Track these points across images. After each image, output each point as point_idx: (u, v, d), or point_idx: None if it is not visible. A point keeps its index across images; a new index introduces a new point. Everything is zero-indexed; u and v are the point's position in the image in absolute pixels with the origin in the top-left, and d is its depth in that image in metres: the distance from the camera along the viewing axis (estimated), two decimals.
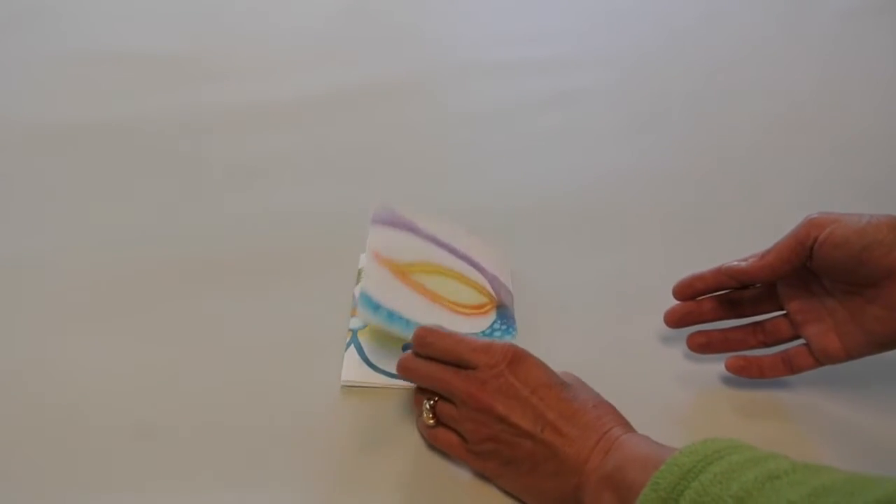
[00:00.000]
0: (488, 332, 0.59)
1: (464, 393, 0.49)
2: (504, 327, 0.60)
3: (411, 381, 0.53)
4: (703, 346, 0.59)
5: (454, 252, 0.63)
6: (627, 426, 0.48)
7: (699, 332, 0.59)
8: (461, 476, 0.52)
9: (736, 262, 0.56)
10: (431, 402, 0.51)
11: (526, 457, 0.47)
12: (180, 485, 0.51)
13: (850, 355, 0.54)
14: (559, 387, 0.49)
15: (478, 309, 0.60)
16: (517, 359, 0.49)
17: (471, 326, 0.58)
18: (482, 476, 0.51)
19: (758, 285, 0.58)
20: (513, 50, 1.07)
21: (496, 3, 1.22)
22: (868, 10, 1.19)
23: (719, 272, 0.57)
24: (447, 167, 0.84)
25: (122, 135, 0.87)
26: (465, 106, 0.95)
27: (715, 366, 0.60)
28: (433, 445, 0.53)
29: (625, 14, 1.18)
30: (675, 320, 0.59)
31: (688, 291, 0.59)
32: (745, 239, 0.72)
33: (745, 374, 0.57)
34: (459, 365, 0.50)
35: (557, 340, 0.60)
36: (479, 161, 0.85)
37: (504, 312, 0.62)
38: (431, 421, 0.51)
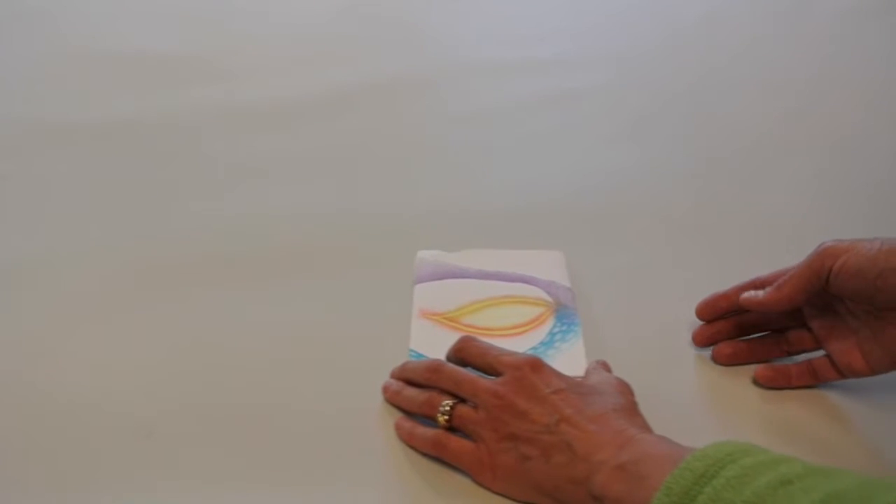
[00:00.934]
0: (547, 339, 0.60)
1: (488, 392, 0.51)
2: (564, 328, 0.61)
3: (437, 386, 0.54)
4: (729, 356, 0.60)
5: (504, 277, 0.66)
6: (647, 429, 0.49)
7: (725, 344, 0.60)
8: None
9: (753, 293, 0.57)
10: (449, 404, 0.52)
11: (541, 452, 0.48)
12: (184, 485, 0.51)
13: (874, 371, 0.55)
14: (580, 394, 0.50)
15: (532, 323, 0.62)
16: (539, 365, 0.51)
17: (525, 342, 0.60)
18: None
19: None
20: (513, 50, 1.07)
21: (497, 3, 1.22)
22: (866, 9, 1.19)
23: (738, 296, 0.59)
24: (447, 167, 0.84)
25: (121, 134, 0.87)
26: (466, 106, 0.95)
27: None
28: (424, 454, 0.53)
29: (625, 14, 1.19)
30: (703, 340, 0.61)
31: (711, 311, 0.60)
32: (746, 237, 0.73)
33: (775, 385, 0.58)
34: (487, 372, 0.53)
35: None
36: (480, 161, 0.85)
37: (563, 312, 0.63)
38: (445, 420, 0.52)
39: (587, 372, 0.56)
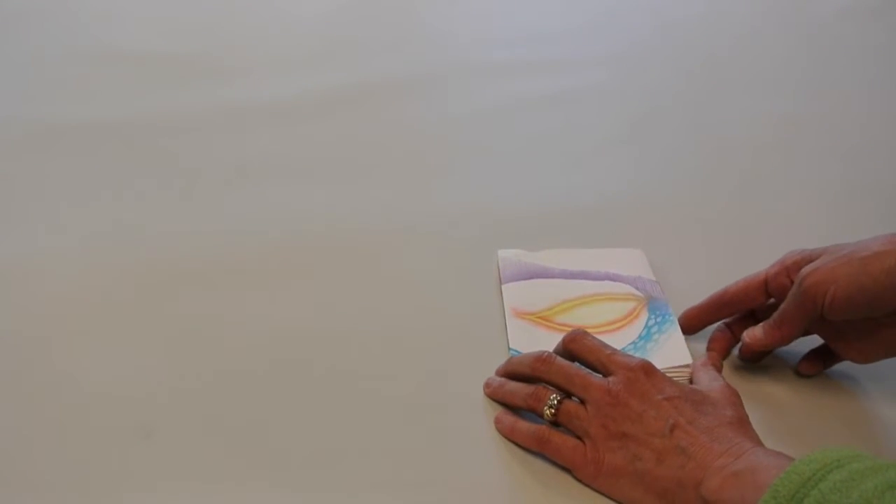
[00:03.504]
0: (645, 333, 0.60)
1: (601, 390, 0.50)
2: (659, 319, 0.61)
3: (545, 377, 0.53)
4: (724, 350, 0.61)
5: (589, 276, 0.66)
6: (760, 444, 0.48)
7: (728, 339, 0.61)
8: None
9: (753, 333, 0.57)
10: (558, 398, 0.52)
11: (654, 454, 0.48)
12: (184, 485, 0.50)
13: (868, 361, 0.56)
14: (692, 402, 0.50)
15: (627, 318, 0.62)
16: (652, 370, 0.51)
17: (623, 338, 0.60)
18: None
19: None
20: (513, 50, 1.08)
21: (497, 3, 1.22)
22: (865, 9, 1.19)
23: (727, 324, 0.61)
24: (447, 166, 0.84)
25: (121, 134, 0.87)
26: (466, 105, 0.96)
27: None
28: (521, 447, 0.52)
29: (624, 14, 1.19)
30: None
31: (694, 326, 0.61)
32: (746, 236, 0.73)
33: (815, 371, 0.59)
34: (596, 369, 0.53)
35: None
36: (480, 160, 0.85)
37: (655, 305, 0.63)
38: (552, 414, 0.51)
39: (695, 368, 0.56)
